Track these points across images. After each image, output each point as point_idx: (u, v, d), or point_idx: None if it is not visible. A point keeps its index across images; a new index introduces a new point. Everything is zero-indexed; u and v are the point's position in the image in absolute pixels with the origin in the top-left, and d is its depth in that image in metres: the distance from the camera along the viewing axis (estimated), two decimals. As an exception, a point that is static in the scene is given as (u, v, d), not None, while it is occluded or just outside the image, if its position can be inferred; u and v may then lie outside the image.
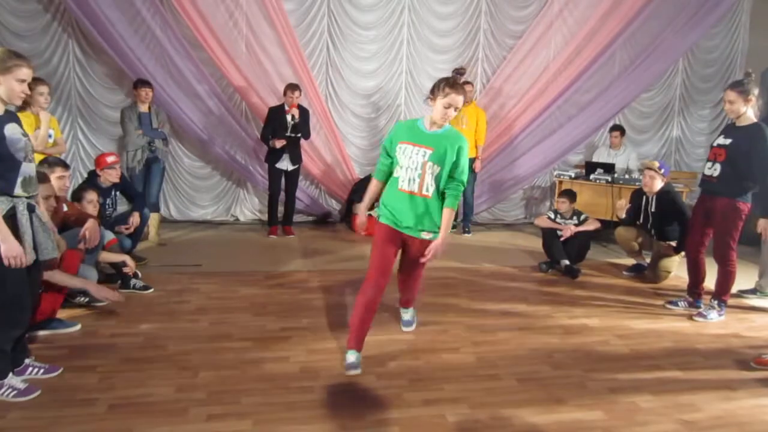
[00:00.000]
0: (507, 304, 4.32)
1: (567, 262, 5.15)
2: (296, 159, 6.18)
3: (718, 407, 2.90)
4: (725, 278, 4.11)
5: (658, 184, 4.92)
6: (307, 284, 4.61)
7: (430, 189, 3.03)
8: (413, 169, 3.01)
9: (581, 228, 5.25)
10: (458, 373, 3.15)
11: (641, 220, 5.12)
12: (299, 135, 6.11)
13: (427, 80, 7.09)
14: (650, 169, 4.98)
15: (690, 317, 4.15)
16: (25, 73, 2.61)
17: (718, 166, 3.98)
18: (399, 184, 3.05)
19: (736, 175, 3.89)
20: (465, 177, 3.10)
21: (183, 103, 6.30)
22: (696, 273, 4.32)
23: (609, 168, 6.36)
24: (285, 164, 6.12)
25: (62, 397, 2.69)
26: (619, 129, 6.95)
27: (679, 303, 4.40)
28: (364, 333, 3.11)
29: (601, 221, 5.54)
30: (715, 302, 4.15)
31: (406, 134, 3.06)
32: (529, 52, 7.05)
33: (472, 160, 6.57)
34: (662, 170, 4.95)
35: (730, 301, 4.52)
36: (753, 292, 4.70)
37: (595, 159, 6.85)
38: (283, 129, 5.99)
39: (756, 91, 3.85)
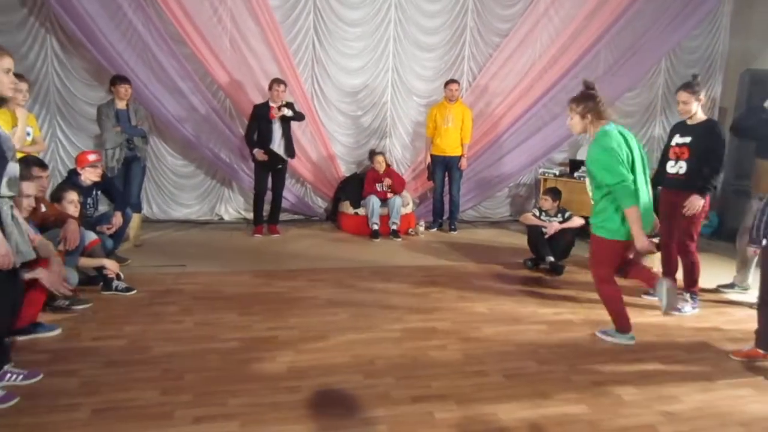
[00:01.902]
0: (493, 300, 4.34)
1: (552, 258, 5.18)
2: (290, 152, 6.12)
3: (699, 399, 2.95)
4: (690, 270, 4.26)
5: None
6: (294, 283, 4.59)
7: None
8: None
9: (566, 225, 5.29)
10: (445, 369, 3.17)
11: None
12: (285, 161, 6.12)
13: (414, 78, 7.10)
14: None
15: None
16: (8, 62, 2.55)
17: (683, 164, 4.17)
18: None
19: (701, 170, 4.06)
20: None
21: (166, 101, 6.22)
22: (669, 264, 4.45)
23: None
24: (279, 149, 6.03)
25: (43, 403, 2.65)
26: (602, 126, 7.01)
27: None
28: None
29: (586, 218, 5.58)
30: (687, 295, 4.27)
31: None
32: (515, 50, 7.08)
33: (458, 158, 6.60)
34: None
35: (710, 296, 4.63)
36: (731, 286, 4.79)
37: (579, 157, 6.91)
38: (269, 129, 5.95)
39: (704, 92, 4.14)
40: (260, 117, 5.95)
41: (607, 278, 3.59)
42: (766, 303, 3.38)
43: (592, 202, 3.55)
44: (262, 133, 5.98)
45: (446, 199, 6.84)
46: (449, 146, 6.54)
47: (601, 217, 3.45)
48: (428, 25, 7.00)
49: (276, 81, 5.94)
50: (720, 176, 4.14)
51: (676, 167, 4.20)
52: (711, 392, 3.03)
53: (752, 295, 4.56)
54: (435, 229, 6.82)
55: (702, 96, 4.11)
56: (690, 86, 4.12)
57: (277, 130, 6.00)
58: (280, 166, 6.11)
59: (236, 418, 2.58)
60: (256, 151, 5.97)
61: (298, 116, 6.10)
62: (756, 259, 4.68)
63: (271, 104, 5.93)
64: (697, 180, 4.07)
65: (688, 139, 4.14)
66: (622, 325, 3.63)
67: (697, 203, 4.06)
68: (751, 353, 3.42)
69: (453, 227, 6.78)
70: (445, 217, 6.91)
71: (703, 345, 3.67)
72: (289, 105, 6.04)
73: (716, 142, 4.04)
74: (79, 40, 5.82)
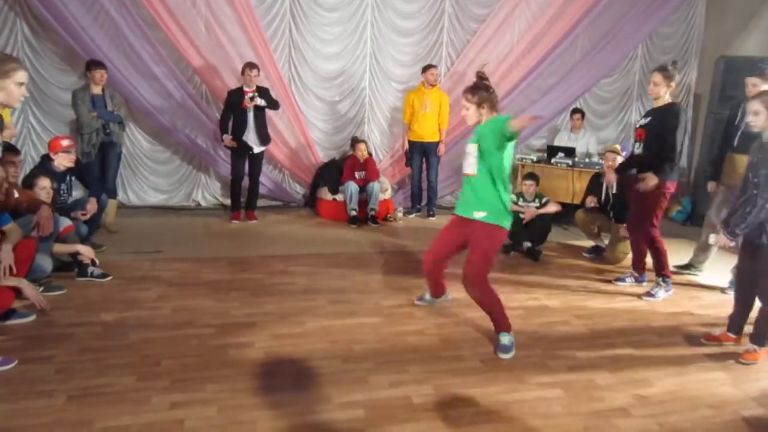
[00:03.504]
0: (470, 286, 4.38)
1: (529, 244, 5.25)
2: (264, 138, 6.05)
3: (671, 382, 3.02)
4: (657, 256, 4.33)
5: None
6: (271, 269, 4.58)
7: (473, 168, 3.22)
8: (469, 153, 3.26)
9: (542, 210, 5.35)
10: (423, 355, 3.20)
11: (601, 202, 5.25)
12: (259, 150, 6.04)
13: (392, 63, 7.07)
14: (613, 152, 5.14)
15: (640, 297, 4.31)
16: (23, 75, 2.76)
17: (640, 145, 4.22)
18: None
19: (654, 153, 4.11)
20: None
21: (140, 86, 6.11)
22: (638, 250, 4.52)
23: (570, 152, 6.49)
24: (252, 141, 5.97)
25: (18, 390, 2.62)
26: (579, 112, 7.10)
27: (626, 279, 4.62)
28: (434, 288, 3.80)
29: (562, 204, 5.65)
30: (660, 280, 4.35)
31: None
32: (493, 36, 7.07)
33: (435, 144, 6.60)
34: (624, 152, 5.13)
35: (682, 279, 4.72)
36: (687, 267, 4.92)
37: (556, 143, 6.98)
38: (243, 115, 5.86)
39: (677, 79, 4.15)
40: (234, 103, 5.86)
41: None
42: (741, 288, 3.45)
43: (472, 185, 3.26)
44: (236, 119, 5.90)
45: (425, 185, 6.86)
46: (427, 132, 6.54)
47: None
48: (406, 9, 6.95)
49: (249, 65, 5.83)
50: (675, 162, 4.07)
51: (638, 149, 4.26)
52: (683, 376, 3.10)
53: (723, 279, 4.68)
54: (414, 215, 6.84)
55: (673, 84, 4.12)
56: (665, 69, 4.14)
57: (251, 118, 5.91)
58: (256, 152, 6.05)
59: (213, 404, 2.58)
60: (225, 136, 5.90)
61: (273, 104, 6.02)
62: (716, 246, 4.81)
63: (245, 89, 5.84)
64: (651, 161, 4.14)
65: (646, 121, 4.21)
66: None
67: (650, 182, 4.08)
68: (722, 337, 3.52)
69: (431, 213, 6.80)
70: (423, 203, 6.93)
71: (675, 329, 3.75)
72: (264, 91, 5.96)
73: (667, 128, 4.02)
74: (49, 24, 5.67)
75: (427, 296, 3.94)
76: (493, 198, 3.19)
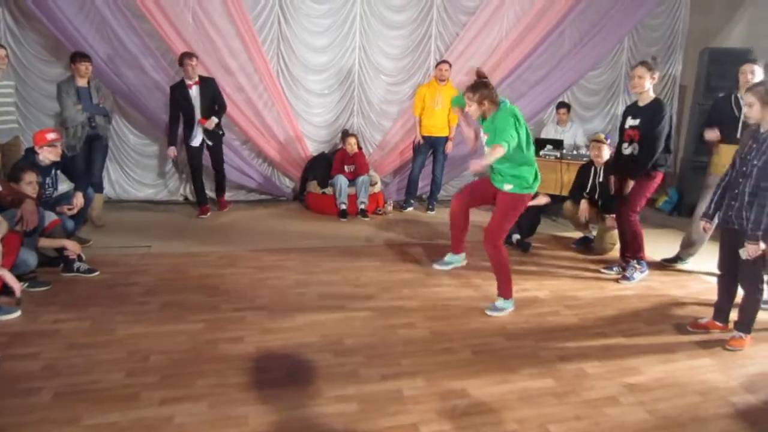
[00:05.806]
0: (461, 278, 4.38)
1: (518, 236, 5.26)
2: (214, 136, 5.92)
3: (659, 370, 3.06)
4: (634, 239, 4.47)
5: (606, 153, 5.16)
6: (261, 264, 4.55)
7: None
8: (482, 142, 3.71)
9: (531, 203, 5.33)
10: (414, 347, 3.20)
11: (588, 191, 5.28)
12: (218, 136, 5.94)
13: (381, 56, 7.03)
14: (598, 141, 5.20)
15: (617, 281, 4.42)
16: None
17: (636, 146, 4.30)
18: None
19: (651, 150, 4.21)
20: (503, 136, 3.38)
21: (126, 78, 6.02)
22: (625, 240, 4.59)
23: (558, 144, 6.51)
24: (199, 141, 5.89)
25: (3, 387, 2.59)
26: (565, 106, 7.11)
27: (613, 268, 4.69)
28: (454, 240, 4.10)
29: (551, 196, 5.67)
30: (635, 262, 4.49)
31: None
32: (482, 29, 7.04)
33: (444, 140, 6.58)
34: (608, 140, 5.24)
35: (670, 270, 4.77)
36: (675, 260, 4.97)
37: (543, 136, 6.99)
38: (190, 109, 5.74)
39: (658, 73, 4.25)
40: (179, 100, 5.71)
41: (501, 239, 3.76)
42: (723, 276, 3.50)
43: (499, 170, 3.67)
44: (185, 117, 5.77)
45: (428, 179, 6.84)
46: (436, 127, 6.50)
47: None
48: (395, 2, 6.89)
49: (186, 55, 5.64)
50: (655, 156, 4.21)
51: (629, 149, 4.34)
52: (671, 363, 3.14)
53: (711, 267, 4.71)
54: (409, 209, 6.80)
55: (656, 75, 4.20)
56: (647, 63, 4.22)
57: (198, 114, 5.77)
58: (212, 144, 5.96)
59: (204, 399, 2.56)
60: (170, 150, 5.85)
61: (221, 107, 5.89)
62: (707, 237, 4.84)
63: (188, 81, 5.69)
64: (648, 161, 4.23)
65: (637, 121, 4.27)
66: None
67: (629, 184, 4.30)
68: (709, 325, 3.56)
69: (431, 207, 6.77)
70: (425, 197, 6.91)
71: (664, 318, 3.79)
72: (210, 82, 5.81)
73: (657, 124, 4.13)
74: (33, 13, 5.57)
75: (447, 257, 4.20)
76: (516, 173, 3.56)
